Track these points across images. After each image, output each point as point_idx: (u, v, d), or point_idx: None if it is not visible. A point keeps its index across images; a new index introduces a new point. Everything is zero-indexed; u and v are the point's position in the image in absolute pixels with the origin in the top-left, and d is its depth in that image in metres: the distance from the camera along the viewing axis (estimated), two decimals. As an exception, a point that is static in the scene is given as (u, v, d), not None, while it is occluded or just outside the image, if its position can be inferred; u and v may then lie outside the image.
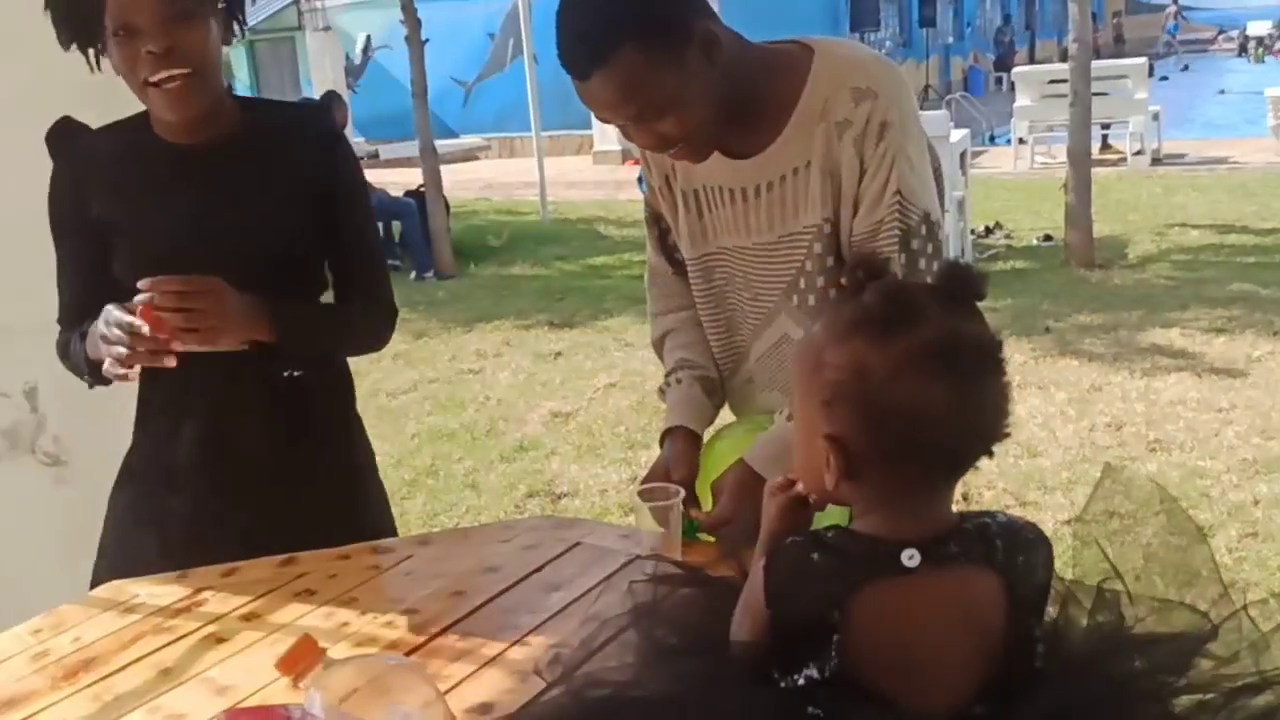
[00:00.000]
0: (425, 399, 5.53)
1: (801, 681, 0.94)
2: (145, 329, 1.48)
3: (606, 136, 13.65)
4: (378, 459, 1.92)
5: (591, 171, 13.91)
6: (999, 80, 21.78)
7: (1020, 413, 4.54)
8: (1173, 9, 32.93)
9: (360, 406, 1.87)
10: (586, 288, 7.85)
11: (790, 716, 0.94)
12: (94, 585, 1.72)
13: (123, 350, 1.49)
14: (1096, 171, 8.04)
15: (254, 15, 15.82)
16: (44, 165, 1.73)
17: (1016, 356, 5.31)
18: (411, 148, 10.30)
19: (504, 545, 1.67)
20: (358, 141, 13.69)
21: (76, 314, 1.67)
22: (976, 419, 0.93)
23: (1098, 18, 24.35)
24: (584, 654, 1.09)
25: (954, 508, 0.99)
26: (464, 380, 5.84)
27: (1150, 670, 0.99)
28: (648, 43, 1.37)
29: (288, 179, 1.66)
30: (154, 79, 1.53)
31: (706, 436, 1.72)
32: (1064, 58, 9.20)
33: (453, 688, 1.26)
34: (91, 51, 1.58)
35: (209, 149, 1.64)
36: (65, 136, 1.70)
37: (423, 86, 8.82)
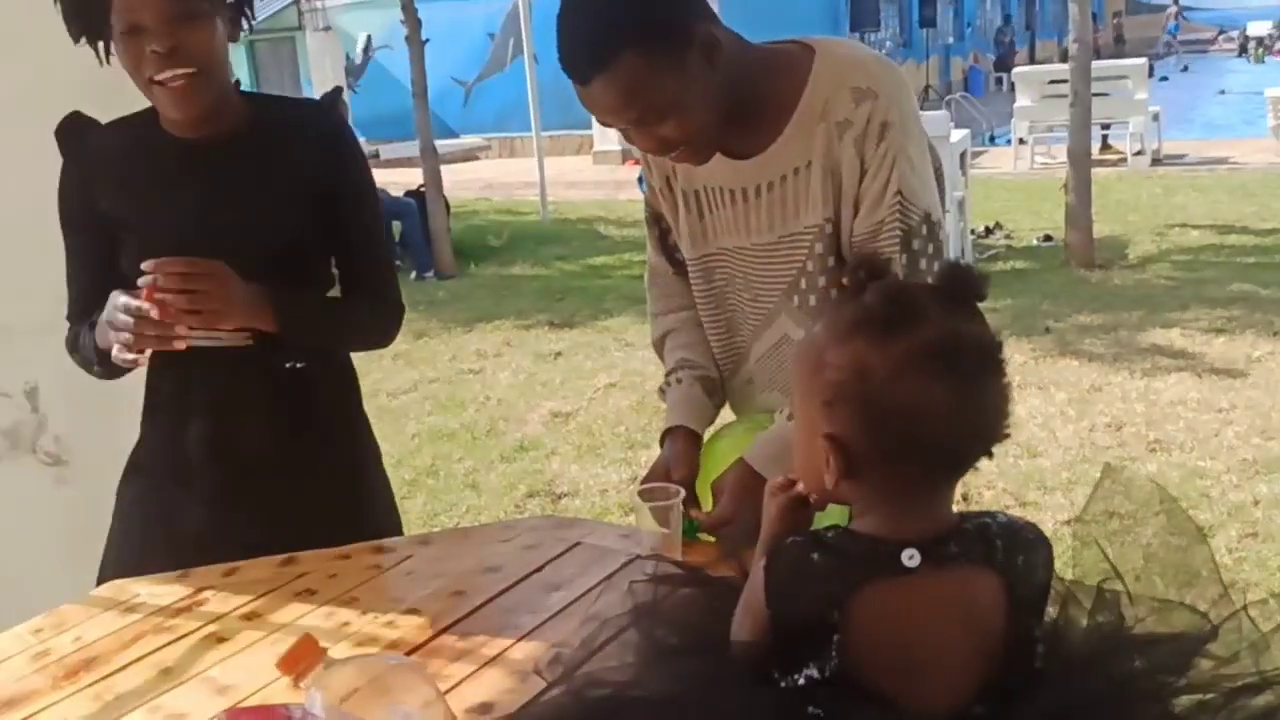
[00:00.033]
0: (425, 399, 5.53)
1: (802, 681, 0.94)
2: (153, 311, 1.49)
3: (607, 137, 13.65)
4: (379, 459, 1.92)
5: (592, 171, 13.91)
6: (999, 80, 21.79)
7: (1020, 413, 4.54)
8: (1174, 9, 32.93)
9: (361, 406, 1.88)
10: (587, 288, 7.85)
11: (790, 716, 0.94)
12: (101, 578, 1.73)
13: (129, 336, 1.50)
14: (1096, 172, 8.04)
15: (254, 15, 15.77)
16: (44, 165, 1.74)
17: (1016, 357, 5.31)
18: (412, 148, 10.31)
19: (504, 545, 1.67)
20: (358, 141, 13.64)
21: (85, 309, 1.68)
22: (977, 419, 0.94)
23: (1098, 18, 24.36)
24: (584, 654, 1.10)
25: (954, 508, 0.99)
26: (464, 380, 5.84)
27: (1150, 670, 0.99)
28: (648, 47, 1.37)
29: (288, 177, 1.66)
30: (159, 78, 1.54)
31: (707, 436, 1.72)
32: (1064, 58, 9.20)
33: (453, 687, 1.26)
34: (101, 45, 1.59)
35: (215, 144, 1.65)
36: (74, 132, 1.70)
37: (423, 86, 8.83)
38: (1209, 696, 0.96)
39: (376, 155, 14.50)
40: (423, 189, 8.85)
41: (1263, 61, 26.63)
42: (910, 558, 0.92)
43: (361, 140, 1.85)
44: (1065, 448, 4.31)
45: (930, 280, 1.05)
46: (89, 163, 1.69)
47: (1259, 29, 28.93)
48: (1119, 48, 25.10)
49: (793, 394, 1.01)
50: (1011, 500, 3.83)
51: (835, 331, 0.95)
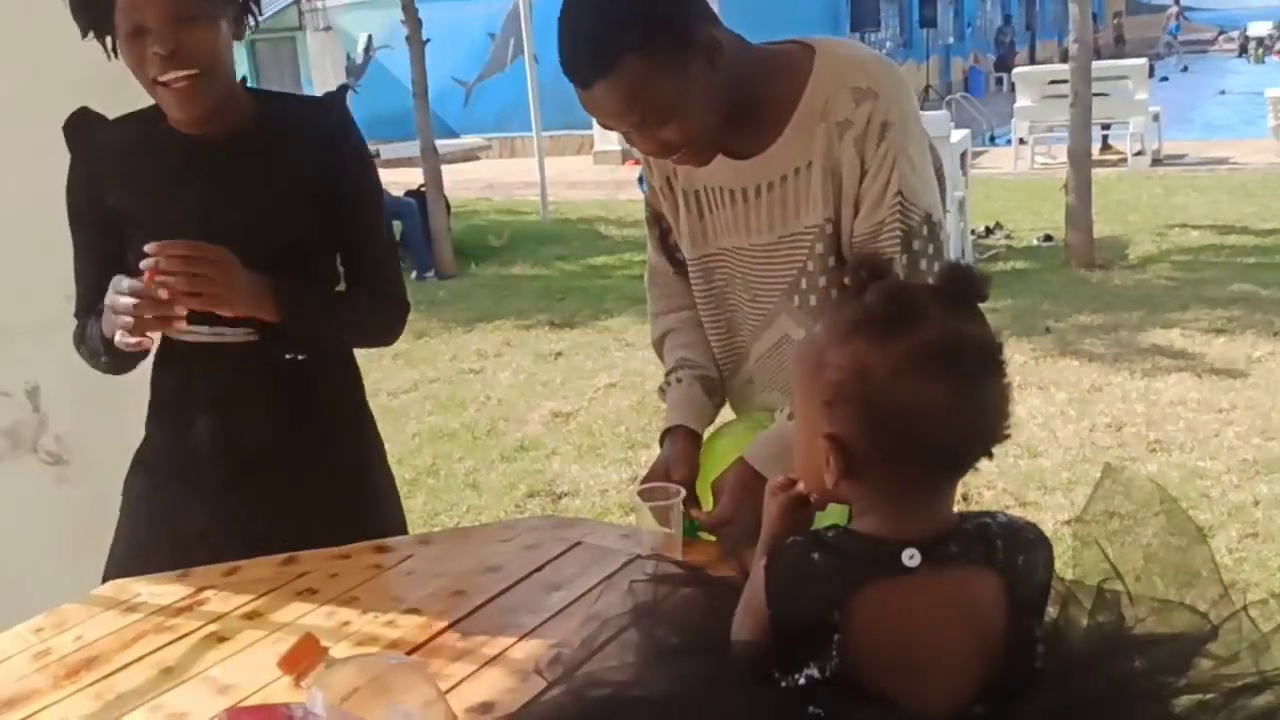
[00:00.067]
0: (426, 399, 5.54)
1: (802, 681, 0.94)
2: (161, 292, 1.49)
3: (607, 137, 13.65)
4: (380, 458, 1.92)
5: (592, 171, 13.91)
6: (999, 81, 21.79)
7: (1020, 413, 4.54)
8: (1175, 9, 32.92)
9: (362, 405, 1.87)
10: (587, 288, 7.85)
11: (791, 716, 0.94)
12: (107, 573, 1.74)
13: (128, 319, 1.50)
14: (1097, 172, 8.04)
15: (254, 15, 15.76)
16: (45, 165, 1.74)
17: (1017, 357, 5.31)
18: (412, 147, 10.31)
19: (505, 545, 1.67)
20: (359, 141, 13.63)
21: (93, 304, 1.68)
22: (977, 420, 0.94)
23: (1098, 18, 24.35)
24: (585, 653, 1.10)
25: (954, 508, 0.99)
26: (465, 380, 5.84)
27: (1150, 670, 0.99)
28: (650, 50, 1.37)
29: (288, 177, 1.67)
30: (162, 79, 1.55)
31: (706, 435, 1.72)
32: (1064, 58, 9.20)
33: (454, 687, 1.26)
34: (108, 39, 1.59)
35: (220, 141, 1.65)
36: (82, 128, 1.71)
37: (424, 86, 8.83)
38: (1209, 696, 0.96)
39: (377, 155, 14.46)
40: (423, 189, 8.86)
41: (1263, 62, 26.63)
42: (910, 557, 0.92)
43: (362, 139, 1.85)
44: (1065, 448, 4.31)
45: (931, 280, 1.05)
46: (97, 158, 1.70)
47: (1259, 29, 28.93)
48: (1119, 48, 25.10)
49: (793, 393, 1.01)
50: (1012, 500, 3.83)
51: (836, 331, 0.95)
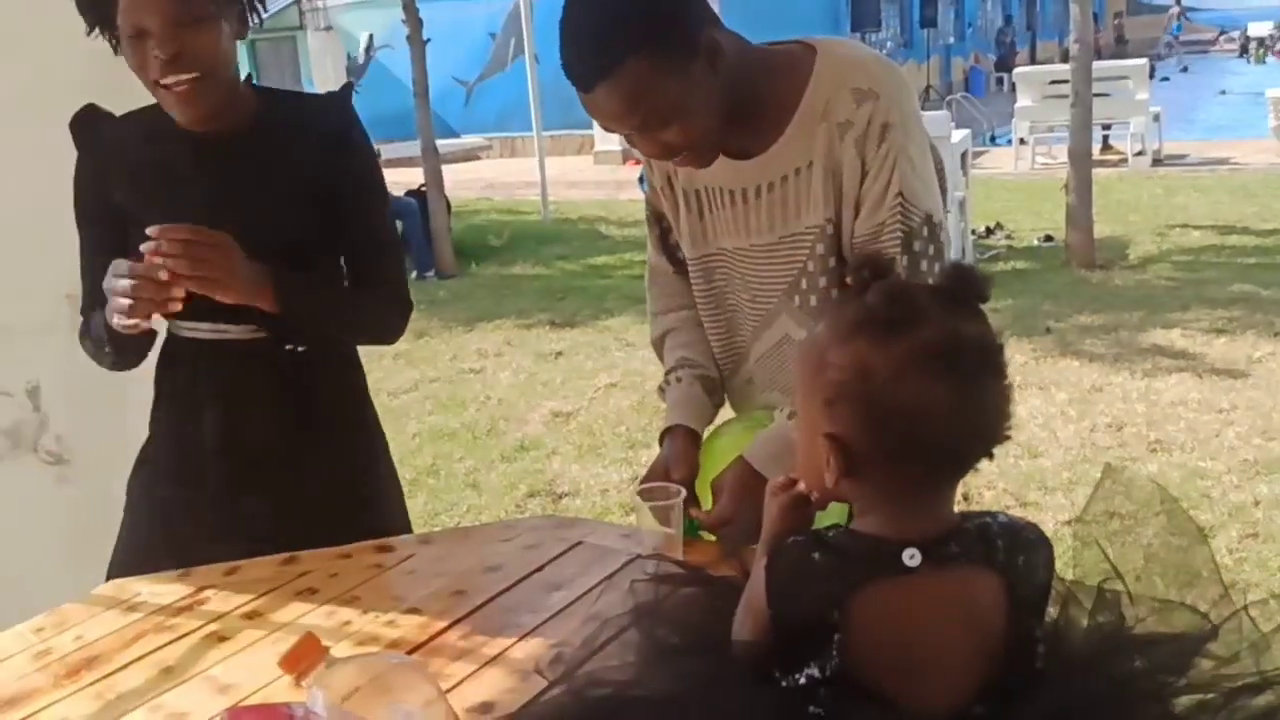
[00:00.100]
0: (426, 398, 5.54)
1: (803, 681, 0.94)
2: (162, 274, 1.49)
3: (608, 137, 13.64)
4: (381, 457, 1.92)
5: (592, 171, 13.91)
6: (1000, 81, 21.79)
7: (1021, 413, 4.54)
8: (1176, 10, 32.93)
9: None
10: (587, 287, 7.85)
11: (791, 715, 0.94)
12: (111, 570, 1.74)
13: (125, 302, 1.50)
14: (1097, 172, 8.04)
15: (255, 15, 15.77)
16: (45, 165, 1.74)
17: (1017, 357, 5.31)
18: (413, 147, 10.30)
19: (505, 544, 1.67)
20: (359, 141, 13.63)
21: (98, 300, 1.68)
22: (978, 420, 0.94)
23: (1099, 18, 24.31)
24: (585, 653, 1.10)
25: (955, 508, 0.99)
26: (465, 380, 5.84)
27: (1151, 670, 0.99)
28: (652, 53, 1.37)
29: (292, 176, 1.67)
30: (164, 82, 1.55)
31: (706, 434, 1.72)
32: (1065, 58, 9.20)
33: (454, 686, 1.26)
34: (113, 36, 1.59)
35: (223, 139, 1.65)
36: (88, 124, 1.71)
37: (424, 86, 8.83)
38: (1209, 696, 0.96)
39: (378, 154, 14.47)
40: (424, 188, 8.85)
41: (1263, 62, 26.63)
42: (911, 557, 0.92)
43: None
44: (1066, 448, 4.31)
45: (932, 281, 1.05)
46: (103, 155, 1.70)
47: (1260, 29, 28.92)
48: (1120, 48, 25.09)
49: (795, 392, 1.01)
50: (1012, 500, 3.83)
51: (837, 331, 0.95)
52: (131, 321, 1.52)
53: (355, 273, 1.76)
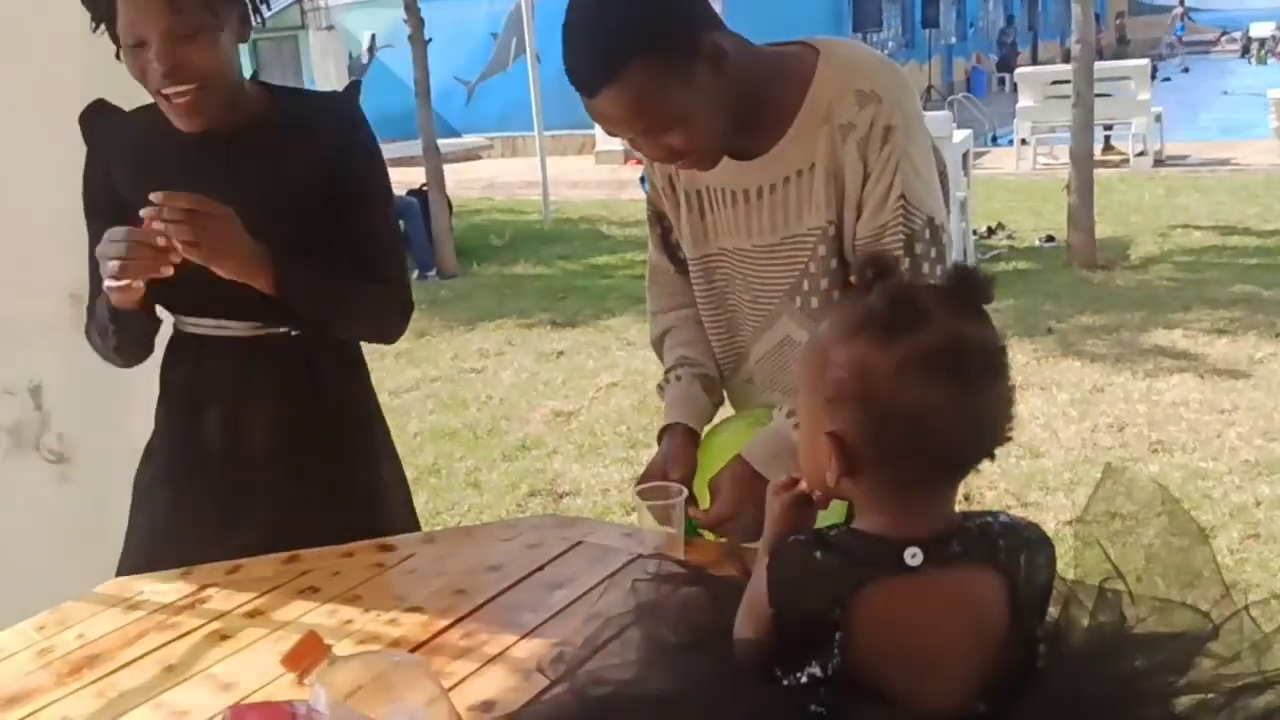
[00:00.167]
0: (427, 398, 5.54)
1: (804, 679, 0.94)
2: (159, 240, 1.49)
3: (609, 136, 13.59)
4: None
5: (594, 171, 13.91)
6: (1002, 81, 21.79)
7: (1022, 413, 4.54)
8: (1179, 10, 32.92)
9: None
10: (589, 287, 7.85)
11: (793, 714, 0.94)
12: (121, 564, 1.76)
13: (116, 264, 1.49)
14: (1099, 173, 8.04)
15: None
16: (51, 163, 1.74)
17: (1019, 357, 5.31)
18: (414, 147, 10.30)
19: (507, 544, 1.67)
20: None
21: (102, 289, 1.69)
22: (979, 422, 0.94)
23: (1101, 19, 24.32)
24: (587, 652, 1.10)
25: (956, 508, 0.99)
26: (466, 379, 5.85)
27: (1152, 670, 0.99)
28: (656, 58, 1.37)
29: (296, 174, 1.67)
30: (164, 92, 1.55)
31: (704, 432, 1.72)
32: (1067, 59, 9.19)
33: (456, 685, 1.27)
34: (115, 39, 1.59)
35: (230, 137, 1.65)
36: (97, 119, 1.72)
37: (426, 86, 8.83)
38: (1210, 696, 0.96)
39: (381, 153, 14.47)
40: (425, 188, 8.86)
41: (1265, 63, 26.61)
42: (913, 556, 0.92)
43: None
44: (1067, 448, 4.31)
45: (935, 283, 1.06)
46: (110, 149, 1.71)
47: (1262, 30, 28.91)
48: (1122, 48, 25.10)
49: (798, 390, 1.01)
50: (1013, 501, 3.83)
51: (840, 330, 0.95)
52: (122, 282, 1.50)
53: (357, 272, 1.76)
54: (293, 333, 1.70)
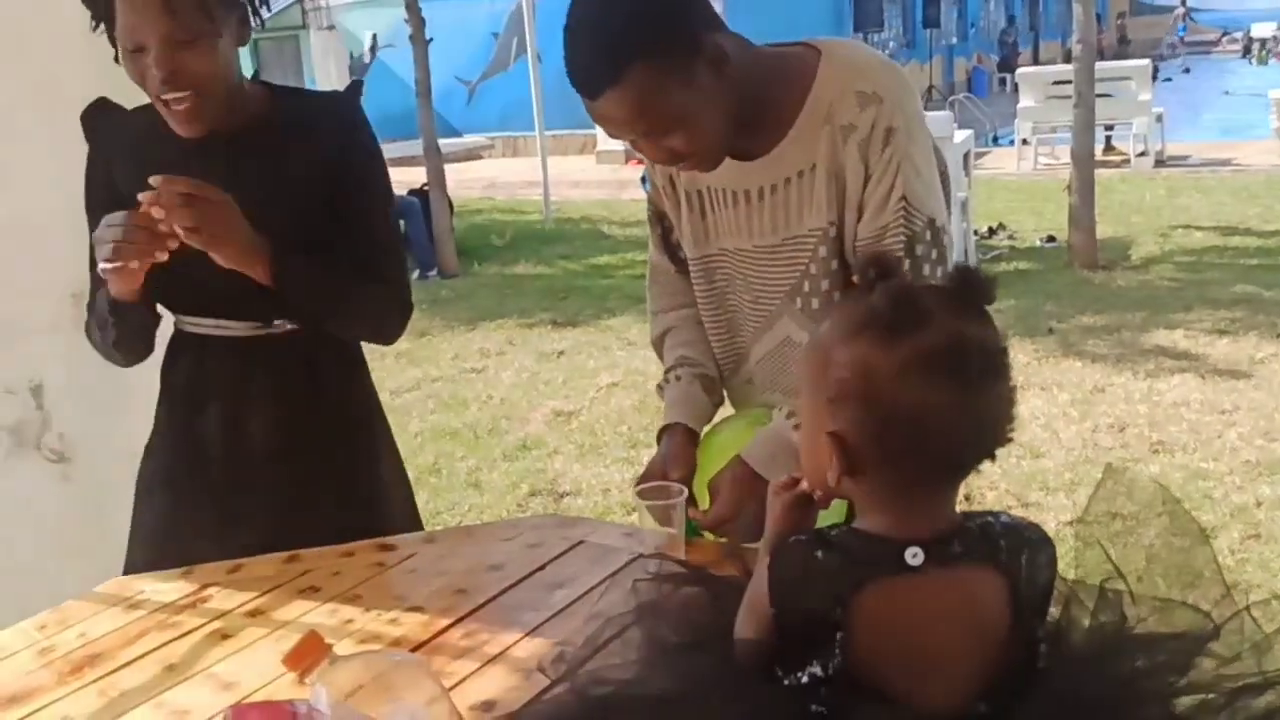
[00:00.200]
0: (428, 397, 5.54)
1: (805, 679, 0.94)
2: (160, 226, 1.48)
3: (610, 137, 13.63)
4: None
5: (595, 171, 13.91)
6: (1003, 81, 21.78)
7: (1023, 413, 4.51)
8: (1181, 10, 32.91)
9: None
10: (589, 287, 7.85)
11: (794, 714, 0.94)
12: (128, 560, 1.76)
13: (110, 247, 1.49)
14: (1100, 173, 8.04)
15: (258, 14, 15.79)
16: (52, 164, 1.75)
17: (1019, 357, 5.31)
18: (415, 146, 10.30)
19: (507, 543, 1.67)
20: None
21: (101, 284, 1.68)
22: (980, 423, 0.94)
23: (1102, 19, 24.33)
24: (587, 652, 1.10)
25: (957, 508, 0.99)
26: (467, 379, 5.85)
27: (1152, 670, 0.99)
28: (657, 60, 1.37)
29: (296, 174, 1.67)
30: (163, 97, 1.55)
31: (703, 432, 1.72)
32: (1068, 59, 9.19)
33: (457, 684, 1.27)
34: (114, 41, 1.59)
35: (229, 137, 1.65)
36: (98, 117, 1.72)
37: (427, 85, 8.84)
38: (1211, 696, 0.96)
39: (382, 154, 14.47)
40: (426, 188, 8.86)
41: (1266, 63, 26.60)
42: (914, 556, 0.92)
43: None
44: (1068, 448, 4.31)
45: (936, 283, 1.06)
46: (111, 147, 1.71)
47: (1263, 30, 28.89)
48: (1123, 49, 25.10)
49: (799, 389, 1.01)
50: (1014, 501, 3.83)
51: (842, 330, 0.95)
52: (116, 264, 1.50)
53: (357, 272, 1.76)
54: (293, 332, 1.70)
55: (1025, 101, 11.80)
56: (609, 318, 6.84)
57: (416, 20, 8.71)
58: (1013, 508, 3.70)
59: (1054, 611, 1.00)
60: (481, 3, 16.64)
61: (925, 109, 1.73)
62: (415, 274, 8.45)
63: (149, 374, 1.78)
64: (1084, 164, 7.48)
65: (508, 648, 1.36)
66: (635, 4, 1.40)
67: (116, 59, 1.59)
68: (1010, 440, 0.95)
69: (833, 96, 1.49)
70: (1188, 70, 25.37)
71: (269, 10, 1.70)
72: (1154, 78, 12.33)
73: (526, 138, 13.89)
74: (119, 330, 1.66)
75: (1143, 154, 11.49)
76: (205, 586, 1.57)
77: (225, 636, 1.44)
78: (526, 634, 1.38)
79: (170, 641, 1.43)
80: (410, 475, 1.98)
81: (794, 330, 1.61)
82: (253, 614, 1.49)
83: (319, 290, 1.67)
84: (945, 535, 0.94)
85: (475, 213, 11.38)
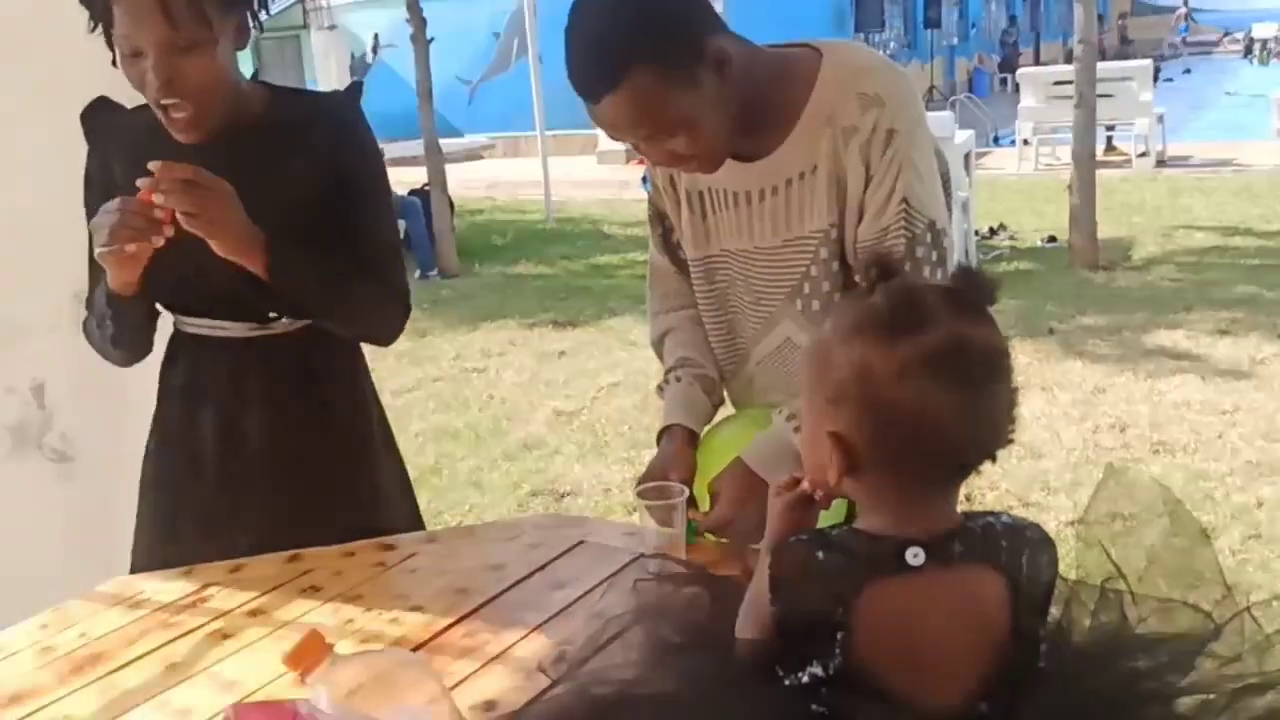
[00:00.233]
0: (429, 397, 5.54)
1: (806, 679, 0.94)
2: (157, 212, 1.48)
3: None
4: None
5: (596, 171, 13.91)
6: (1004, 81, 21.78)
7: (1024, 414, 4.50)
8: (1183, 11, 32.90)
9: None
10: (591, 287, 7.85)
11: (795, 714, 0.94)
12: (134, 558, 1.77)
13: (108, 231, 1.49)
14: (1101, 173, 8.04)
15: (259, 14, 15.80)
16: (53, 163, 1.74)
17: (1020, 358, 5.31)
18: (416, 147, 10.31)
19: (509, 543, 1.67)
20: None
21: (100, 280, 1.68)
22: (982, 425, 0.94)
23: (1103, 19, 24.34)
24: (589, 651, 1.10)
25: (957, 509, 0.99)
26: (468, 379, 5.85)
27: (1153, 670, 0.99)
28: (659, 62, 1.37)
29: (292, 175, 1.67)
30: (160, 102, 1.55)
31: (703, 432, 1.72)
32: (1069, 59, 9.19)
33: (458, 684, 1.27)
34: (111, 44, 1.59)
35: (229, 137, 1.65)
36: (98, 116, 1.72)
37: (428, 85, 8.84)
38: (1212, 697, 0.96)
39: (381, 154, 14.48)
40: (427, 188, 8.87)
41: (1267, 64, 26.59)
42: (915, 556, 0.92)
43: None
44: (1069, 449, 4.31)
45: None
46: (111, 147, 1.71)
47: (1265, 31, 28.88)
48: (1124, 49, 25.10)
49: (801, 388, 1.01)
50: (1015, 501, 3.83)
51: (843, 330, 0.95)
52: (113, 246, 1.50)
53: (356, 271, 1.76)
54: (291, 333, 1.70)
55: (1026, 102, 11.80)
56: (610, 318, 6.84)
57: (418, 20, 8.72)
58: (1014, 508, 3.70)
59: (1055, 612, 1.00)
60: (483, 3, 16.65)
61: (926, 109, 1.73)
62: (416, 274, 8.46)
63: (150, 374, 1.78)
64: (1085, 164, 7.49)
65: (509, 647, 1.36)
66: (636, 7, 1.40)
67: (114, 62, 1.59)
68: (1012, 441, 0.95)
69: (834, 98, 1.48)
70: (1189, 71, 25.36)
71: (268, 14, 1.70)
72: (1155, 78, 12.34)
73: (527, 138, 13.88)
74: (117, 326, 1.66)
75: (1144, 154, 11.49)
76: (206, 586, 1.57)
77: (226, 636, 1.44)
78: (527, 634, 1.38)
79: (171, 641, 1.43)
80: (411, 475, 1.98)
81: (795, 332, 1.60)
82: (254, 614, 1.49)
83: (316, 284, 1.66)
84: (946, 535, 0.94)
85: (476, 213, 11.38)
